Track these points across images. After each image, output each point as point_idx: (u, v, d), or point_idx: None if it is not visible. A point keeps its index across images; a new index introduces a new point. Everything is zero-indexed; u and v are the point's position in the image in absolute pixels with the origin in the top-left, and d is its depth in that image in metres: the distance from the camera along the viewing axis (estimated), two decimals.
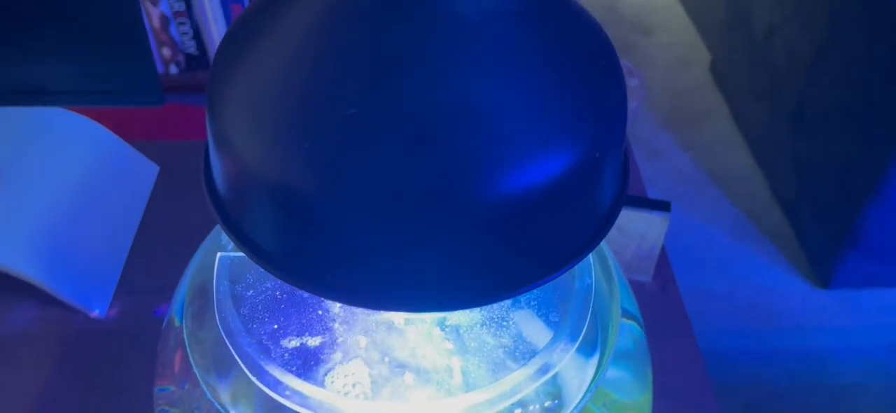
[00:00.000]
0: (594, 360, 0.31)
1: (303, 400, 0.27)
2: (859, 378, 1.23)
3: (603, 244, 0.35)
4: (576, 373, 0.30)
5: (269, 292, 0.30)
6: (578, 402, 0.31)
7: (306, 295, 0.31)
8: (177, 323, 0.33)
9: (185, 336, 0.32)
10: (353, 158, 0.18)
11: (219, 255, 0.32)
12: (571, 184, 0.19)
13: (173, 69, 1.36)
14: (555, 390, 0.31)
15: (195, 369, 0.31)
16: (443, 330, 0.30)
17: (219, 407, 0.30)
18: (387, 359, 0.28)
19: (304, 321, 0.30)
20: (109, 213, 0.59)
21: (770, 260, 1.38)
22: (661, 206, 0.54)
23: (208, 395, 0.30)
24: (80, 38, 0.48)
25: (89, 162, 0.60)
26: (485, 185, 0.18)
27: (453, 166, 0.18)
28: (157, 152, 0.65)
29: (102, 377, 0.50)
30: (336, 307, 0.30)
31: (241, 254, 0.30)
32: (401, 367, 0.29)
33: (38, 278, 0.51)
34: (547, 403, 0.31)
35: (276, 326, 0.29)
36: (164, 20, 1.29)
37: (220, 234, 0.34)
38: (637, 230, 0.55)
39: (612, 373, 0.32)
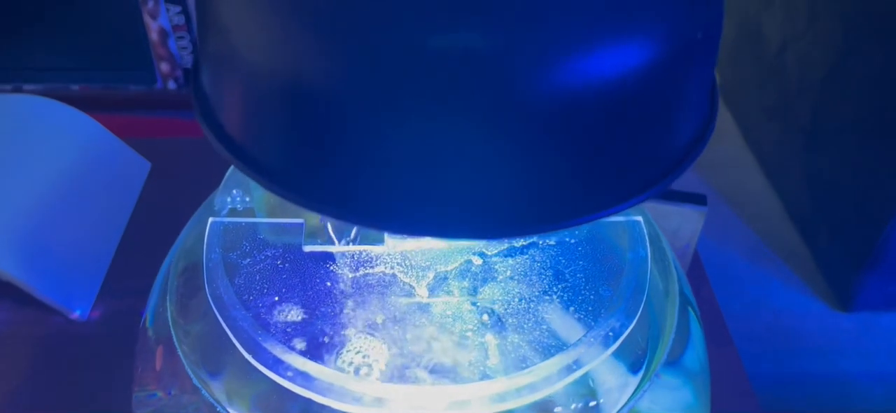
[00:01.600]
0: (659, 347, 0.26)
1: (307, 382, 0.22)
2: (885, 405, 1.18)
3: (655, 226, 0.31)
4: (629, 362, 0.26)
5: (269, 260, 0.26)
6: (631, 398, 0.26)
7: (313, 263, 0.26)
8: (149, 324, 0.29)
9: (170, 326, 0.27)
10: (381, 32, 0.14)
11: (210, 220, 0.27)
12: (660, 78, 0.15)
13: (171, 84, 1.33)
14: (602, 383, 0.26)
15: (184, 362, 0.26)
16: (474, 305, 0.25)
17: (213, 403, 0.26)
18: (408, 336, 0.24)
19: (309, 293, 0.25)
20: (96, 209, 0.54)
21: (786, 281, 1.34)
22: (696, 198, 0.50)
23: (203, 391, 0.26)
24: (74, 13, 0.44)
25: (76, 155, 0.56)
26: (550, 69, 0.14)
27: (510, 44, 0.14)
28: (150, 149, 0.60)
29: (80, 384, 0.45)
30: (347, 277, 0.26)
31: (235, 219, 0.26)
32: (422, 346, 0.24)
33: (13, 274, 0.47)
34: (592, 403, 0.26)
35: (277, 298, 0.25)
36: (163, 34, 1.25)
37: (209, 208, 0.30)
38: (669, 226, 0.50)
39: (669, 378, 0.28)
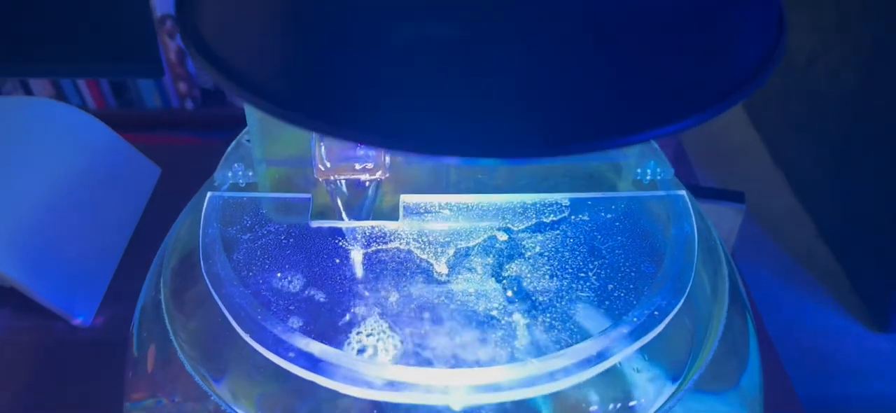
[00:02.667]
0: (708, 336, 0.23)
1: (312, 364, 0.20)
2: None
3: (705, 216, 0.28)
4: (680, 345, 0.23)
5: (271, 236, 0.23)
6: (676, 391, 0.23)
7: (320, 240, 0.24)
8: (138, 322, 0.26)
9: (165, 320, 0.24)
10: None
11: (209, 194, 0.25)
12: None
13: (189, 104, 1.32)
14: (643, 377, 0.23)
15: (181, 357, 0.24)
16: (500, 283, 0.22)
17: (218, 400, 0.23)
18: (425, 315, 0.21)
19: (315, 271, 0.22)
20: (103, 214, 0.52)
21: (820, 302, 1.29)
22: (735, 196, 0.47)
23: (204, 388, 0.23)
24: (82, 7, 0.42)
25: (85, 158, 0.54)
26: None
27: None
28: (161, 154, 0.59)
29: (80, 392, 0.42)
30: (358, 254, 0.23)
31: (236, 193, 0.23)
32: (441, 326, 0.21)
33: (14, 278, 0.44)
34: (632, 403, 0.23)
35: (279, 275, 0.22)
36: (181, 54, 1.25)
37: (209, 189, 0.27)
38: None
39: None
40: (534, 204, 0.24)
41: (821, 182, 1.36)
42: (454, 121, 0.12)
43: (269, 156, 0.25)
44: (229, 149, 0.27)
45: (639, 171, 0.27)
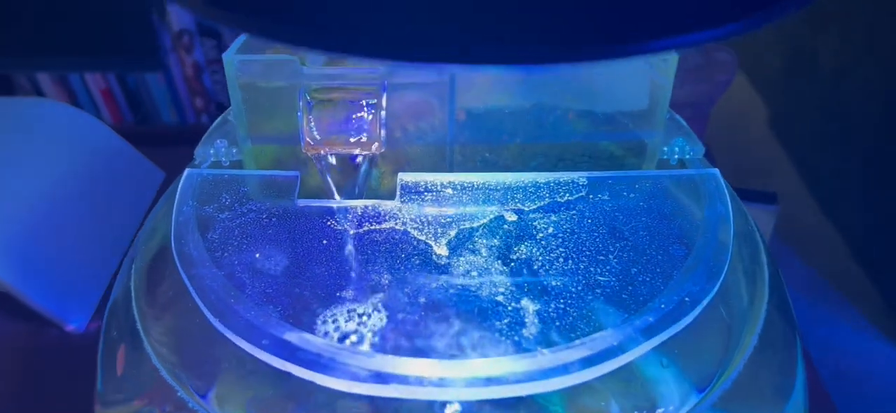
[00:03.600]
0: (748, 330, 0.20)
1: (289, 353, 0.17)
2: None
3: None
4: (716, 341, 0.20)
5: (253, 215, 0.21)
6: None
7: (306, 220, 0.21)
8: (107, 321, 0.24)
9: (135, 317, 0.22)
10: None
11: (186, 170, 0.23)
12: None
13: (205, 118, 1.31)
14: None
15: (156, 361, 0.21)
16: (506, 265, 0.20)
17: (196, 405, 0.20)
18: (421, 300, 0.19)
19: (299, 252, 0.20)
20: (103, 217, 0.51)
21: (854, 322, 1.24)
22: (767, 197, 0.44)
23: (179, 391, 0.20)
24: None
25: (85, 160, 0.52)
26: None
27: None
28: (164, 157, 0.57)
29: (72, 399, 0.40)
30: (348, 235, 0.20)
31: (216, 170, 0.21)
32: (439, 312, 0.19)
33: (6, 281, 0.43)
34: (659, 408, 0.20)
35: (259, 256, 0.20)
36: (197, 68, 1.24)
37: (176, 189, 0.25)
38: None
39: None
40: (547, 183, 0.22)
41: (850, 198, 1.31)
42: (454, 24, 0.10)
43: (255, 132, 0.23)
44: (214, 124, 0.25)
45: (665, 149, 0.24)
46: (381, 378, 0.17)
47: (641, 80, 0.23)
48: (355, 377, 0.17)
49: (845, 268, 1.48)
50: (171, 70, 1.00)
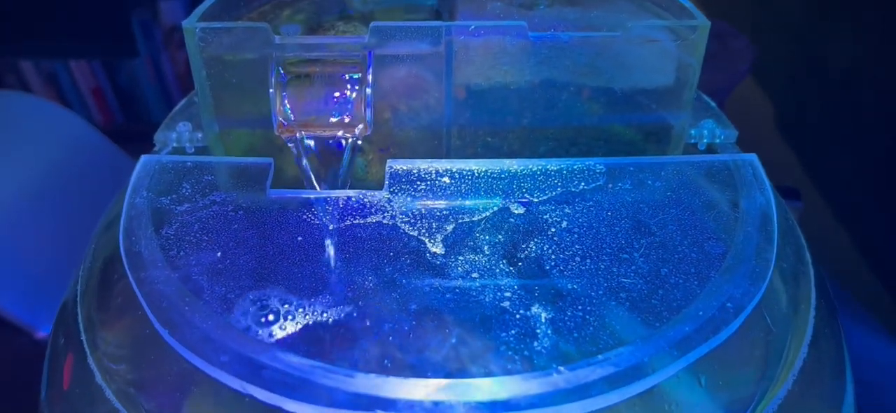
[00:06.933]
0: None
1: (250, 373, 0.14)
2: None
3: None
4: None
5: (217, 207, 0.18)
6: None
7: (281, 213, 0.18)
8: (55, 329, 0.21)
9: (80, 325, 0.19)
10: None
11: (142, 157, 0.20)
12: None
13: None
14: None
15: (100, 379, 0.18)
16: (513, 265, 0.17)
17: None
18: (412, 307, 0.16)
19: (271, 251, 0.17)
20: (76, 216, 0.47)
21: (869, 330, 1.21)
22: (789, 193, 0.41)
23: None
24: None
25: (57, 156, 0.49)
26: None
27: None
28: (143, 151, 0.54)
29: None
30: (328, 230, 0.17)
31: (177, 157, 0.18)
32: (432, 322, 0.16)
33: None
34: None
35: (220, 256, 0.17)
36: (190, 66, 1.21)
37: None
38: None
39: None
40: (559, 170, 0.19)
41: (862, 200, 1.29)
42: None
43: (222, 114, 0.20)
44: (178, 106, 0.22)
45: (693, 132, 0.21)
46: (363, 403, 0.14)
47: (665, 55, 0.20)
48: (333, 402, 0.14)
49: (858, 273, 1.46)
50: (162, 67, 0.97)
